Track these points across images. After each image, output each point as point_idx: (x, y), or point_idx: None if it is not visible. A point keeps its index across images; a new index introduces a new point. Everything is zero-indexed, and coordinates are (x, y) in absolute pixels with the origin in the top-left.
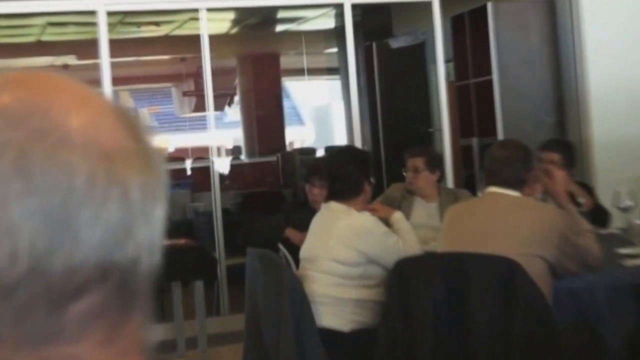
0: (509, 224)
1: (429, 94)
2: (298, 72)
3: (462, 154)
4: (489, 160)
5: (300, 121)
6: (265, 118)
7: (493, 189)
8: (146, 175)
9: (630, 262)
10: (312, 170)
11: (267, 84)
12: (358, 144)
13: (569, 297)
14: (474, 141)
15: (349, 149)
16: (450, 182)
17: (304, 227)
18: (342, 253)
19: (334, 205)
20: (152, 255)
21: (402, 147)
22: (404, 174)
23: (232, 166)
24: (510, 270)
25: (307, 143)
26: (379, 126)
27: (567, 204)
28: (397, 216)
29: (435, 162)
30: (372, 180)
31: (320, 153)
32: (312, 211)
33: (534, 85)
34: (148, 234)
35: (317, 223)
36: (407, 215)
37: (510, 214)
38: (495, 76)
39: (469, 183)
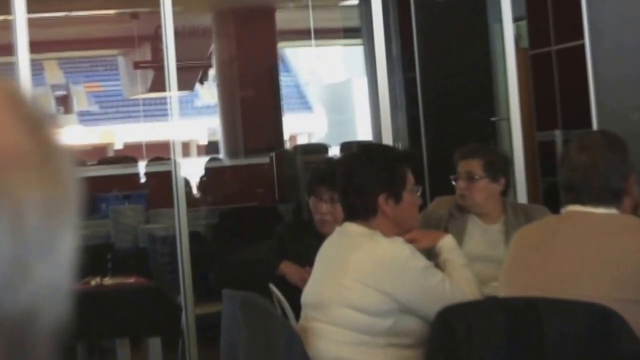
0: (602, 255)
1: (492, 67)
2: (302, 34)
3: (541, 154)
4: (566, 166)
5: (305, 106)
6: (254, 101)
7: (576, 207)
8: (49, 190)
9: None
10: (319, 177)
11: (257, 52)
12: (388, 138)
13: None
14: (558, 135)
15: (374, 147)
16: (521, 194)
17: (307, 259)
18: (362, 297)
19: (351, 229)
20: (56, 302)
21: (451, 144)
22: (454, 183)
23: (206, 171)
24: (604, 322)
25: (316, 138)
26: (418, 114)
27: None
28: (447, 243)
29: (498, 166)
30: (418, 189)
31: (333, 153)
32: (319, 236)
33: None
34: (50, 274)
35: (326, 254)
36: (459, 242)
37: (603, 241)
38: (587, 41)
39: (550, 195)
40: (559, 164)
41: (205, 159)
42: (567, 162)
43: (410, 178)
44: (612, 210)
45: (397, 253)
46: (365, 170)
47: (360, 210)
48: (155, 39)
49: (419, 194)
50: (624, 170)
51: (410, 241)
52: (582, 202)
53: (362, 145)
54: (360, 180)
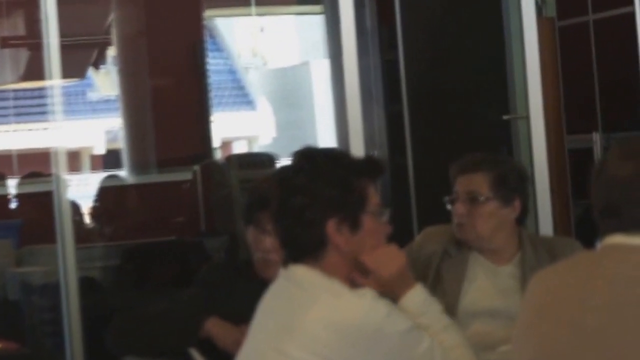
0: None
1: (505, 45)
2: (238, 0)
3: (573, 166)
4: (603, 180)
5: (243, 100)
6: (171, 93)
7: (618, 238)
8: None
9: None
10: (262, 199)
11: (175, 24)
12: (358, 145)
13: None
14: (597, 140)
15: (321, 155)
16: (545, 223)
17: (242, 314)
18: None
19: (300, 273)
20: None
21: (447, 153)
22: (449, 207)
23: (103, 192)
24: None
25: (260, 144)
26: (402, 110)
27: None
28: (413, 302)
29: (512, 184)
30: (384, 212)
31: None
32: (259, 283)
33: None
34: None
35: (268, 309)
36: (456, 291)
37: None
38: (638, 8)
39: (586, 225)
40: (593, 177)
41: (102, 175)
42: (604, 175)
43: (373, 195)
44: None
45: (367, 315)
46: (308, 185)
47: (301, 244)
48: (30, 4)
49: (385, 218)
50: None
51: (352, 280)
52: (626, 231)
53: (305, 151)
54: (300, 201)
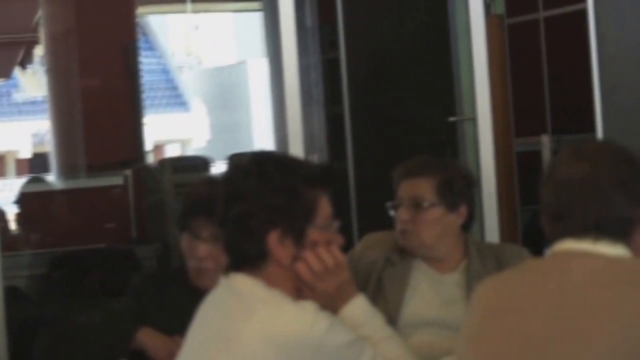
0: (606, 317)
1: (451, 43)
2: None
3: (521, 170)
4: (553, 182)
5: (177, 101)
6: (102, 94)
7: (567, 244)
8: None
9: None
10: (196, 204)
11: (106, 22)
12: (297, 148)
13: None
14: (546, 143)
15: (272, 159)
16: (492, 230)
17: (176, 325)
18: None
19: (240, 283)
20: None
21: (390, 157)
22: (392, 213)
23: (29, 197)
24: None
25: (194, 147)
26: (343, 111)
27: None
28: (354, 312)
29: (458, 189)
30: (333, 224)
31: (219, 169)
32: (194, 292)
33: None
34: None
35: (205, 319)
36: (399, 300)
37: (608, 296)
38: (591, 4)
39: (533, 231)
40: (542, 180)
41: (28, 180)
42: (554, 178)
43: (324, 207)
44: (620, 250)
45: (307, 328)
46: (254, 191)
47: (244, 253)
48: None
49: (334, 231)
50: (636, 192)
51: (299, 291)
52: (576, 236)
53: (257, 155)
54: (244, 207)
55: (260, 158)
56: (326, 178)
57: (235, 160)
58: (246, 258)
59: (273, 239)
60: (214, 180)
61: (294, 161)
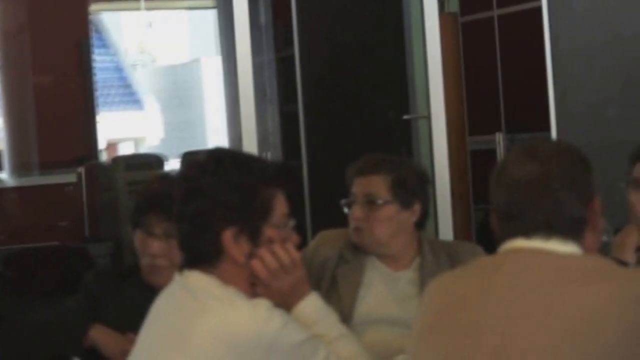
0: (558, 312)
1: (405, 41)
2: None
3: (475, 168)
4: (505, 182)
5: (131, 99)
6: (55, 92)
7: (518, 242)
8: None
9: None
10: (149, 201)
11: (59, 19)
12: (252, 145)
13: None
14: (500, 141)
15: (229, 156)
16: (445, 227)
17: (129, 322)
18: None
19: (194, 280)
20: None
21: (344, 154)
22: (345, 210)
23: None
24: None
25: (148, 145)
26: (297, 109)
27: None
28: (307, 310)
29: (412, 187)
30: (288, 222)
31: (172, 168)
32: (148, 289)
33: (630, 22)
34: None
35: (158, 316)
36: (352, 297)
37: (559, 293)
38: (545, 2)
39: (488, 229)
40: (493, 180)
41: None
42: (505, 177)
43: (280, 206)
44: (571, 247)
45: (261, 326)
46: (210, 189)
47: (198, 250)
48: None
49: (290, 229)
50: (586, 190)
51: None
52: (527, 235)
53: (214, 152)
54: (200, 205)
55: (217, 155)
56: (282, 177)
57: (191, 158)
58: (201, 255)
59: (228, 237)
60: (167, 177)
61: (251, 159)
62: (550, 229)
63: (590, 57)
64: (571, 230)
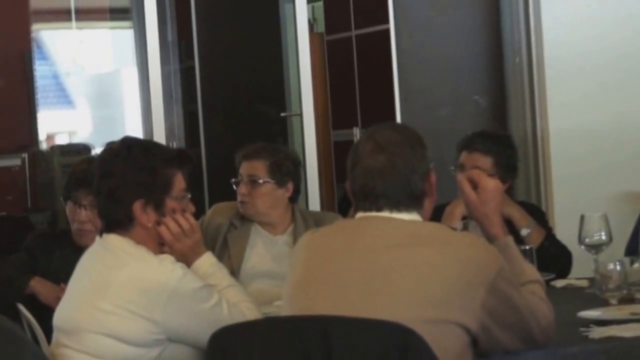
0: (402, 271)
1: (283, 55)
2: (61, 15)
3: (337, 155)
4: (359, 170)
5: (65, 100)
6: (3, 94)
7: (372, 213)
8: None
9: (597, 333)
10: (77, 178)
11: (6, 35)
12: (161, 137)
13: None
14: (356, 134)
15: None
16: (314, 201)
17: (62, 275)
18: (125, 325)
19: (113, 241)
20: None
21: (234, 144)
22: (235, 187)
23: None
24: (402, 346)
25: (79, 137)
26: (197, 109)
27: (501, 236)
28: (203, 265)
29: (286, 169)
30: (186, 195)
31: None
32: (76, 249)
33: (458, 41)
34: None
35: (84, 270)
36: (240, 256)
37: (403, 254)
38: (392, 26)
39: (347, 203)
40: (350, 167)
41: None
42: (360, 166)
43: (179, 182)
44: (414, 216)
45: (166, 276)
46: (121, 169)
47: (114, 218)
48: None
49: (188, 201)
50: (424, 167)
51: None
52: (379, 209)
53: (126, 139)
54: (114, 182)
55: (127, 143)
56: (181, 159)
57: (108, 145)
58: (116, 222)
59: (138, 207)
60: (91, 160)
61: (155, 145)
62: (398, 204)
63: (427, 68)
64: (415, 202)
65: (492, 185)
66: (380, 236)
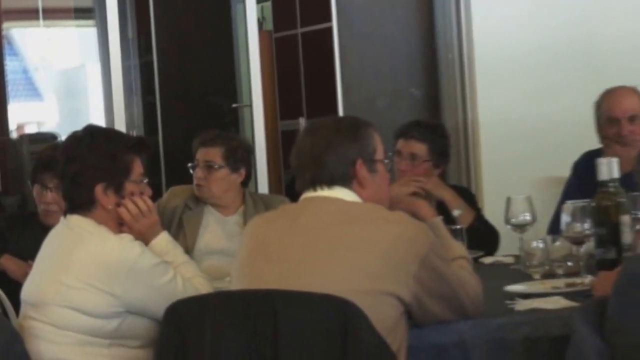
0: (341, 245)
1: (234, 50)
2: (28, 14)
3: (283, 143)
4: (296, 152)
5: (34, 93)
6: None
7: (309, 193)
8: None
9: (522, 305)
10: (44, 163)
11: None
12: (121, 126)
13: (434, 356)
14: (302, 123)
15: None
16: (263, 185)
17: (29, 253)
18: (86, 298)
19: (76, 221)
20: None
21: (190, 132)
22: (191, 172)
23: None
24: (342, 316)
25: (47, 127)
26: (155, 101)
27: (431, 216)
28: (160, 243)
29: (239, 156)
30: (143, 179)
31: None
32: (43, 228)
33: (395, 39)
34: None
35: (49, 248)
36: (194, 235)
37: (341, 231)
38: (335, 24)
39: (293, 187)
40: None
41: None
42: (296, 147)
43: (138, 167)
44: (353, 196)
45: (125, 253)
46: (84, 155)
47: (78, 200)
48: None
49: (145, 185)
50: (348, 153)
51: (122, 232)
52: (314, 188)
53: (89, 127)
54: (77, 167)
55: (90, 130)
56: (139, 146)
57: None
58: (79, 204)
59: (99, 190)
60: (56, 146)
61: (115, 133)
62: (322, 182)
63: (367, 63)
64: (340, 181)
65: (424, 170)
66: (319, 216)
